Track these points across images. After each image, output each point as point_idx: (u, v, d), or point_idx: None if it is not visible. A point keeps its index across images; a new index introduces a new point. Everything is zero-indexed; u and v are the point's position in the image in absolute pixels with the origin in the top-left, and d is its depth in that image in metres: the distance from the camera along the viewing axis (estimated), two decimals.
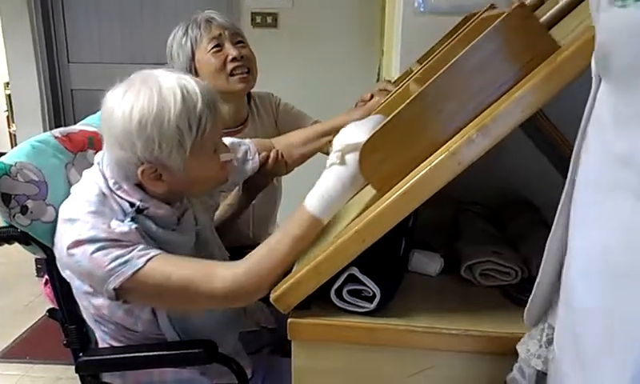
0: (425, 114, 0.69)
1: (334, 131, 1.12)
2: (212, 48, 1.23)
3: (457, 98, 0.68)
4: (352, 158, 0.77)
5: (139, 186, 0.87)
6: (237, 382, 0.92)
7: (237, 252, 1.10)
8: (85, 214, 0.83)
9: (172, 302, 0.87)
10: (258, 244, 1.36)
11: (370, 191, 0.79)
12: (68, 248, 0.82)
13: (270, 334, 1.14)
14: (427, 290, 0.85)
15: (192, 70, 1.26)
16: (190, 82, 0.84)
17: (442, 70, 0.68)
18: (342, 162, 0.78)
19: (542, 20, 0.74)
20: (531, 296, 0.60)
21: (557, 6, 0.75)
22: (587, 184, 0.47)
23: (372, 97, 1.18)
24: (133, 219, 0.84)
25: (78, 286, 0.88)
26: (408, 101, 0.70)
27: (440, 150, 0.68)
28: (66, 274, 0.89)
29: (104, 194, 0.86)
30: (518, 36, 0.65)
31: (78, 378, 0.99)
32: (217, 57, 1.23)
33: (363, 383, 0.78)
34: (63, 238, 0.84)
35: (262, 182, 1.17)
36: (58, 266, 0.90)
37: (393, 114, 0.71)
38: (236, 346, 1.02)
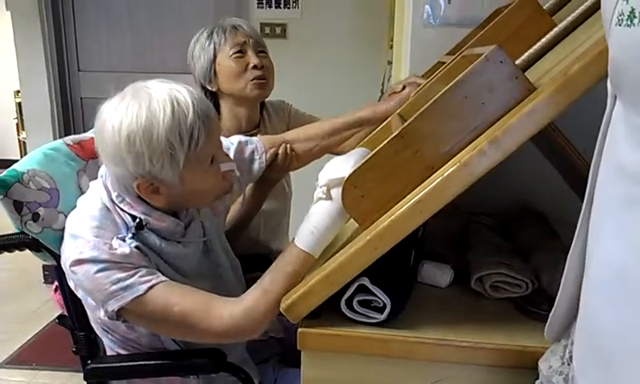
0: (402, 154, 0.72)
1: (363, 123, 1.12)
2: (235, 53, 1.25)
3: (432, 140, 0.71)
4: (337, 193, 0.78)
5: (141, 198, 0.86)
6: None
7: (248, 260, 1.10)
8: (88, 229, 0.83)
9: (168, 330, 0.88)
10: (270, 250, 1.37)
11: None
12: (70, 266, 0.82)
13: (278, 343, 1.14)
14: (437, 301, 0.85)
15: (212, 71, 1.28)
16: (182, 93, 0.82)
17: (418, 112, 0.71)
18: (329, 197, 0.80)
19: (517, 62, 0.78)
20: (552, 311, 0.59)
21: (534, 47, 0.78)
22: (603, 200, 0.47)
23: (404, 88, 1.13)
24: (134, 236, 0.84)
25: (82, 297, 0.89)
26: (388, 139, 0.73)
27: (452, 161, 0.68)
28: (71, 284, 0.89)
29: (107, 207, 0.86)
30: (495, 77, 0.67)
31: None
32: (238, 62, 1.25)
33: None
34: (66, 253, 0.85)
35: (274, 177, 1.15)
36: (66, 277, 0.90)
37: (373, 151, 0.74)
38: (243, 355, 1.02)
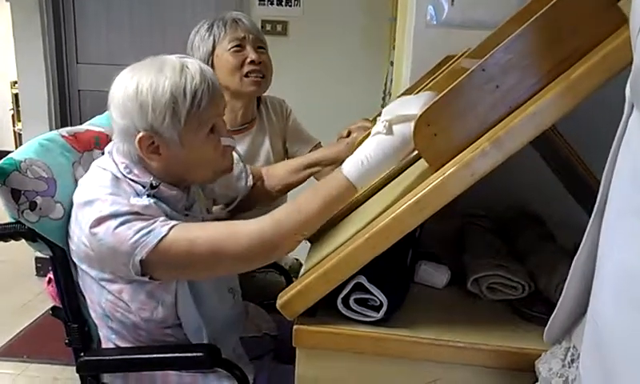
0: (482, 89, 0.66)
1: (317, 164, 1.20)
2: (233, 47, 1.26)
3: (515, 73, 0.64)
4: (399, 129, 0.75)
5: (147, 169, 0.89)
6: None
7: None
8: (103, 194, 0.85)
9: (198, 269, 0.86)
10: None
11: (381, 199, 0.79)
12: (91, 227, 0.82)
13: (272, 340, 1.14)
14: (433, 301, 0.85)
15: (209, 62, 1.28)
16: (194, 63, 0.88)
17: (501, 44, 0.65)
18: (389, 132, 0.76)
19: None
20: (553, 314, 0.59)
21: None
22: (617, 208, 0.47)
23: (349, 134, 1.23)
24: (149, 196, 0.86)
25: (95, 275, 0.88)
26: (466, 73, 0.67)
27: (452, 161, 0.68)
28: (83, 265, 0.89)
29: (117, 177, 0.88)
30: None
31: (77, 378, 0.98)
32: (236, 56, 1.26)
33: None
34: (83, 222, 0.84)
35: (246, 206, 1.17)
36: (75, 259, 0.90)
37: (450, 86, 0.68)
38: (237, 351, 1.02)
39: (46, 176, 0.92)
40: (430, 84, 1.00)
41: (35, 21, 2.59)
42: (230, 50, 1.26)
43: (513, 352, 0.72)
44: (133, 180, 0.88)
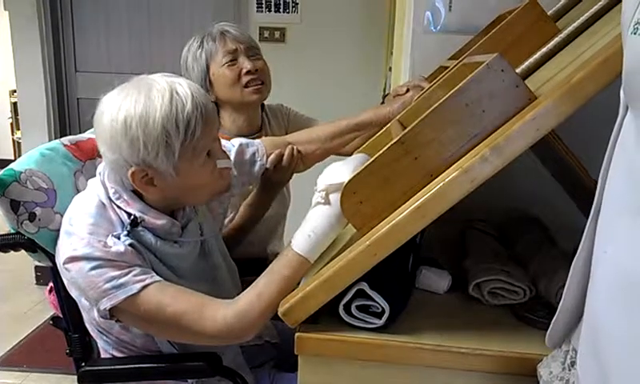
0: (402, 160, 0.72)
1: (366, 126, 1.13)
2: (227, 61, 1.25)
3: (432, 147, 0.71)
4: (335, 198, 0.79)
5: (138, 195, 0.86)
6: None
7: (243, 264, 1.10)
8: (83, 226, 0.82)
9: (162, 331, 0.87)
10: (265, 254, 1.37)
11: None
12: (64, 263, 0.82)
13: (273, 348, 1.14)
14: (435, 307, 0.85)
15: (207, 81, 1.28)
16: (183, 86, 0.82)
17: (419, 119, 0.71)
18: (327, 202, 0.80)
19: (519, 69, 0.78)
20: (554, 318, 0.59)
21: (536, 54, 0.78)
22: (612, 208, 0.47)
23: (407, 90, 1.14)
24: (129, 233, 0.83)
25: (76, 296, 0.88)
26: (388, 145, 0.73)
27: (453, 167, 0.68)
28: (65, 282, 0.88)
29: (103, 204, 0.85)
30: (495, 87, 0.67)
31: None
32: (232, 70, 1.25)
33: None
34: (60, 251, 0.84)
35: (279, 179, 1.14)
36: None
37: (373, 157, 0.74)
38: (237, 359, 1.01)
39: (46, 187, 0.92)
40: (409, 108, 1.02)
41: (34, 29, 2.60)
42: (224, 64, 1.25)
43: (515, 357, 0.72)
44: (120, 207, 0.85)
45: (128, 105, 0.80)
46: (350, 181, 0.75)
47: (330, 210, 0.80)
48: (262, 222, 1.26)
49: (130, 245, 0.82)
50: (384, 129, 1.06)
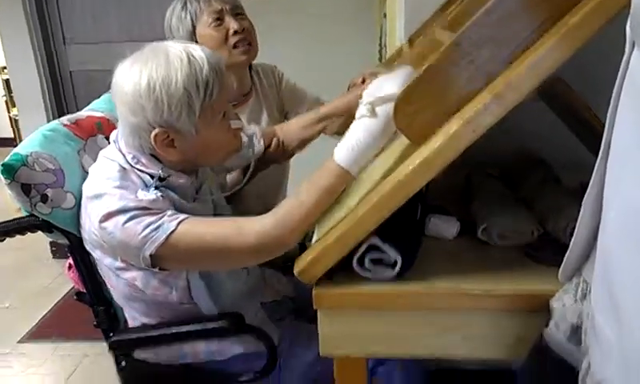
0: (457, 64, 0.67)
1: (330, 116, 1.18)
2: (213, 22, 1.23)
3: (489, 46, 0.66)
4: (383, 110, 0.77)
5: (156, 158, 0.88)
6: (265, 349, 0.96)
7: None
8: (111, 188, 0.85)
9: (206, 261, 0.89)
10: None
11: (385, 160, 0.80)
12: (100, 222, 0.84)
13: (291, 302, 1.18)
14: (445, 253, 0.87)
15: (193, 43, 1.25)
16: (197, 49, 0.86)
17: (474, 17, 0.66)
18: (373, 114, 0.78)
19: None
20: (567, 253, 0.61)
21: None
22: (622, 146, 0.48)
23: (364, 80, 1.20)
24: (157, 188, 0.86)
25: (109, 264, 0.90)
26: (441, 50, 0.68)
27: (456, 117, 0.68)
28: (96, 253, 0.91)
29: (124, 168, 0.87)
30: None
31: (107, 353, 1.02)
32: (218, 31, 1.23)
33: (390, 344, 0.81)
34: (92, 215, 0.86)
35: (261, 167, 1.18)
36: (87, 247, 0.92)
37: (426, 64, 0.70)
38: (259, 315, 1.05)
39: (53, 167, 0.93)
40: (416, 50, 0.99)
41: (17, 2, 2.52)
42: (210, 25, 1.22)
43: (527, 295, 0.74)
44: (141, 170, 0.88)
45: (150, 69, 0.82)
46: (404, 91, 0.72)
47: (375, 123, 0.78)
48: (260, 187, 1.28)
49: (160, 194, 0.86)
50: (428, 40, 1.00)
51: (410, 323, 0.79)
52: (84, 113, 1.10)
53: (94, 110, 1.13)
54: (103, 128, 1.08)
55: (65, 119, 1.04)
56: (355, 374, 0.85)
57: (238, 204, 1.21)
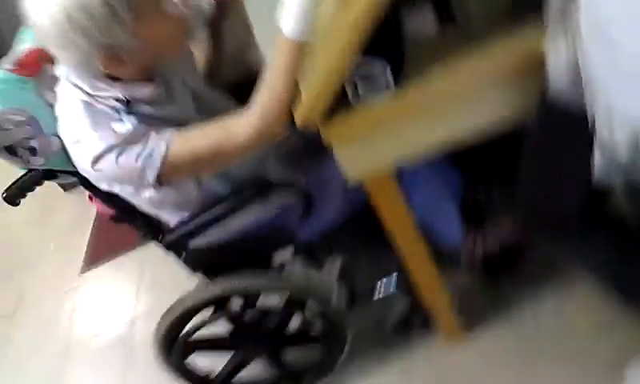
0: None
1: None
2: None
3: None
4: None
5: (112, 77, 0.85)
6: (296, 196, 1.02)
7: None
8: (86, 130, 0.84)
9: (207, 167, 0.92)
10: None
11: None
12: (92, 165, 0.84)
13: (301, 138, 1.18)
14: (432, 51, 0.83)
15: None
16: None
17: None
18: None
19: None
20: None
21: None
22: None
23: None
24: (128, 112, 0.84)
25: (120, 191, 0.93)
26: None
27: None
28: (103, 186, 0.93)
29: (87, 102, 0.85)
30: None
31: (161, 253, 1.07)
32: None
33: (405, 147, 0.85)
34: (81, 161, 0.86)
35: (223, 26, 1.10)
36: (93, 182, 0.93)
37: None
38: (277, 169, 1.09)
39: (24, 119, 0.90)
40: None
41: None
42: None
43: (519, 59, 0.74)
44: (103, 97, 0.85)
45: (62, 0, 0.76)
46: None
47: None
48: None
49: (135, 119, 0.85)
50: None
51: (424, 121, 0.81)
52: (20, 49, 1.01)
53: (27, 42, 1.03)
54: (46, 58, 0.99)
55: (6, 65, 0.96)
56: (386, 189, 0.92)
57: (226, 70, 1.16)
